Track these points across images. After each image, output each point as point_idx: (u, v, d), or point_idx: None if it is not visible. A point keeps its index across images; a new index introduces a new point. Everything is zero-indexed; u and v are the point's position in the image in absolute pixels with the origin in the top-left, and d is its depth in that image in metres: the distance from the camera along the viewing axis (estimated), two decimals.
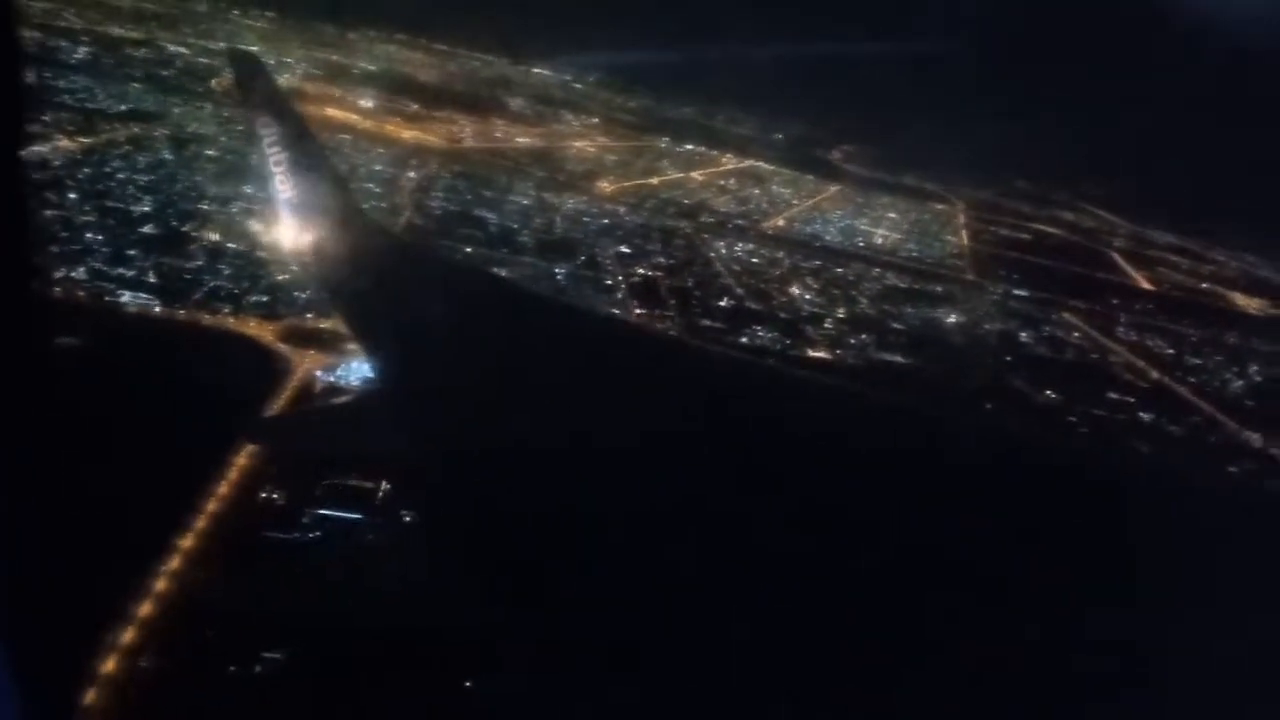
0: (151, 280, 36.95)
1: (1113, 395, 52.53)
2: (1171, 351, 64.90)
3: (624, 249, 60.26)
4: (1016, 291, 73.03)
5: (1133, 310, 74.69)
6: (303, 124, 14.54)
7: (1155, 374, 58.73)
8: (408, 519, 25.94)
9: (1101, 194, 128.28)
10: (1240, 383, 59.89)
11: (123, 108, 60.90)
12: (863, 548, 7.73)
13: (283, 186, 12.84)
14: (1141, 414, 50.50)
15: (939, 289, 68.53)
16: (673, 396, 9.97)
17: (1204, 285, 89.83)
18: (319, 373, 33.36)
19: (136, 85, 67.85)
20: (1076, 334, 65.10)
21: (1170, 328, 70.99)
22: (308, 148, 13.59)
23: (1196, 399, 54.99)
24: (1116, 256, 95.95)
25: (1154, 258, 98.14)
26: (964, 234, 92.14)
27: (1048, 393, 50.67)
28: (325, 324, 37.30)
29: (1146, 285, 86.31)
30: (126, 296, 35.29)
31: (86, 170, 46.82)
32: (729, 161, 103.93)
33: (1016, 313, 67.07)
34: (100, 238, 38.93)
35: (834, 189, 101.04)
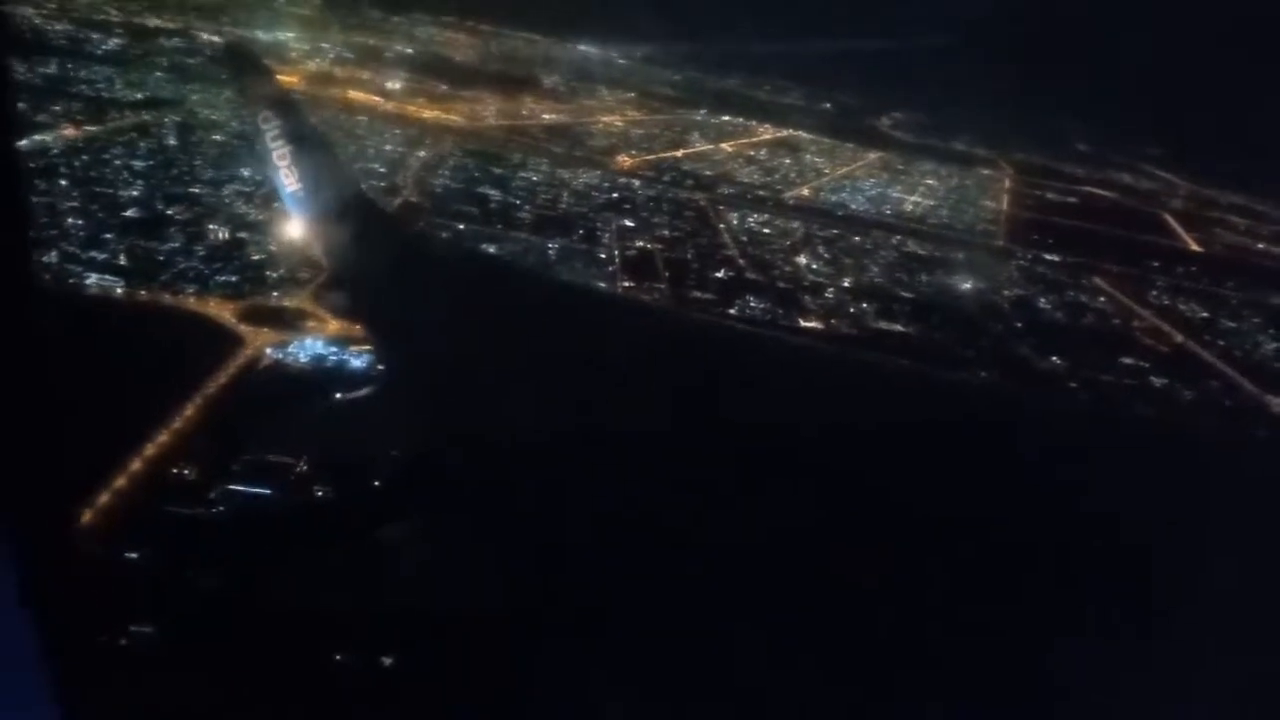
0: (121, 263, 37.83)
1: (1126, 360, 50.49)
2: (1206, 315, 62.12)
3: (628, 222, 59.83)
4: (1047, 256, 70.64)
5: (1173, 273, 71.55)
6: (304, 114, 14.63)
7: (1180, 338, 56.24)
8: (320, 494, 26.30)
9: (1168, 155, 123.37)
10: (1275, 345, 57.01)
11: (138, 96, 62.44)
12: (852, 516, 7.78)
13: (286, 178, 12.79)
14: (1154, 378, 48.42)
15: (961, 256, 66.51)
16: (671, 374, 9.90)
17: (1260, 246, 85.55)
18: (269, 350, 33.79)
19: (159, 74, 69.35)
20: (1102, 298, 62.73)
21: (1211, 290, 67.95)
22: (310, 138, 13.64)
23: (1220, 363, 52.54)
24: (1169, 218, 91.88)
25: (1211, 219, 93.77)
26: (1004, 199, 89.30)
27: (1053, 359, 48.92)
28: (289, 303, 37.92)
29: (1195, 247, 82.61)
30: (92, 279, 36.15)
31: (84, 157, 48.04)
32: (765, 132, 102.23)
33: (1040, 278, 64.91)
34: (80, 223, 39.98)
35: (873, 156, 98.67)
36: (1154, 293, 65.77)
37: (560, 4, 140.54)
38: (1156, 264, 73.54)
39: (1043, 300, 59.86)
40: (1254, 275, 73.18)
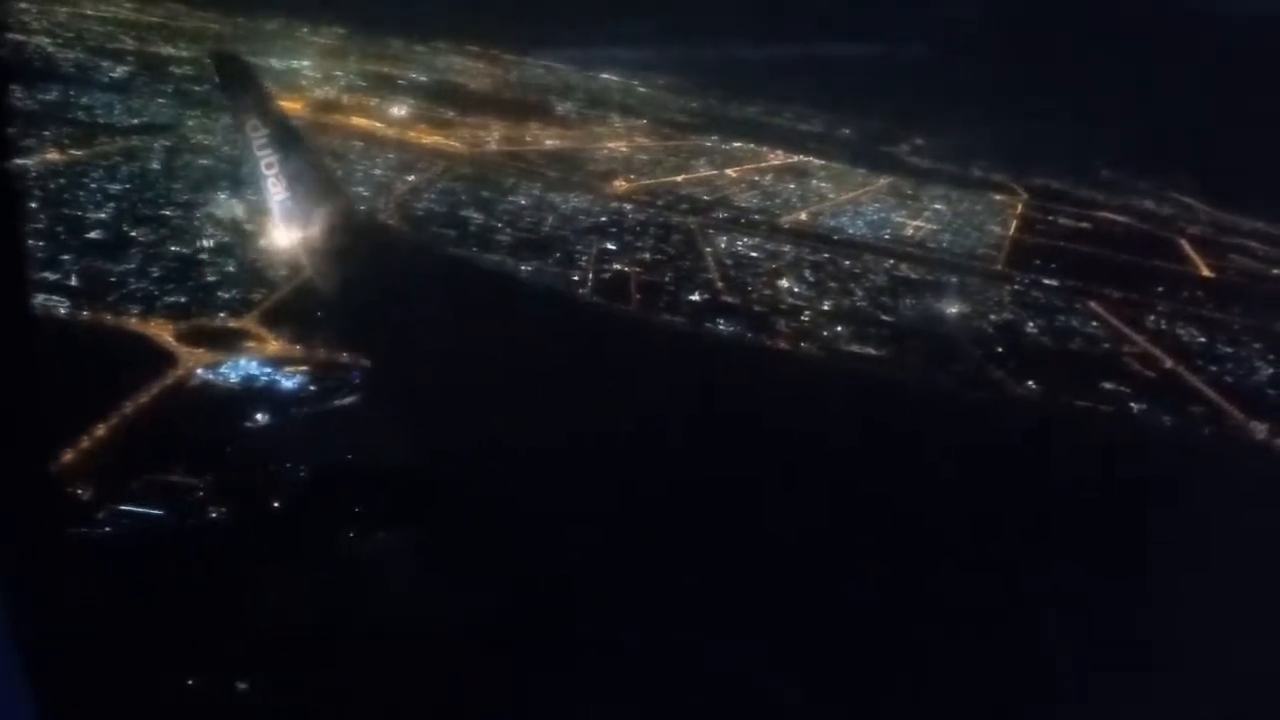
0: (71, 284, 38.27)
1: (1106, 385, 49.15)
2: (1203, 340, 60.44)
3: (609, 245, 59.74)
4: (1045, 281, 69.36)
5: (1176, 298, 69.92)
6: (291, 123, 14.81)
7: (1170, 364, 54.74)
8: (214, 516, 26.29)
9: (1194, 181, 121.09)
10: (1271, 372, 55.29)
11: (134, 121, 63.88)
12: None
13: (274, 187, 12.88)
14: (1133, 404, 47.10)
15: (953, 280, 65.47)
16: (666, 383, 9.90)
17: (1275, 272, 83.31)
18: (200, 370, 33.94)
19: (161, 100, 70.97)
20: (1094, 324, 61.30)
21: (1214, 316, 66.22)
22: (298, 146, 13.80)
23: (1208, 389, 50.99)
24: (1184, 243, 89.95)
25: (1228, 244, 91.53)
26: (1012, 224, 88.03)
27: (1029, 383, 47.81)
28: (233, 324, 38.22)
29: (1206, 272, 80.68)
30: (37, 299, 36.60)
31: (60, 181, 49.02)
32: (775, 157, 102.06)
33: (1033, 303, 63.67)
34: (39, 244, 40.60)
35: (883, 181, 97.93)
36: (1152, 318, 64.27)
37: (584, 33, 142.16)
38: (1161, 289, 71.98)
39: (1030, 325, 58.64)
40: (1262, 301, 71.16)
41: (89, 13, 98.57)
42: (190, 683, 19.72)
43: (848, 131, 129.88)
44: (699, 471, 8.18)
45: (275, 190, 12.67)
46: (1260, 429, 45.92)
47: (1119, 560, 7.34)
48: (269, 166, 12.64)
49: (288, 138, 13.17)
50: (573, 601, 6.76)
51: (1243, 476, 9.23)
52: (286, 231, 12.93)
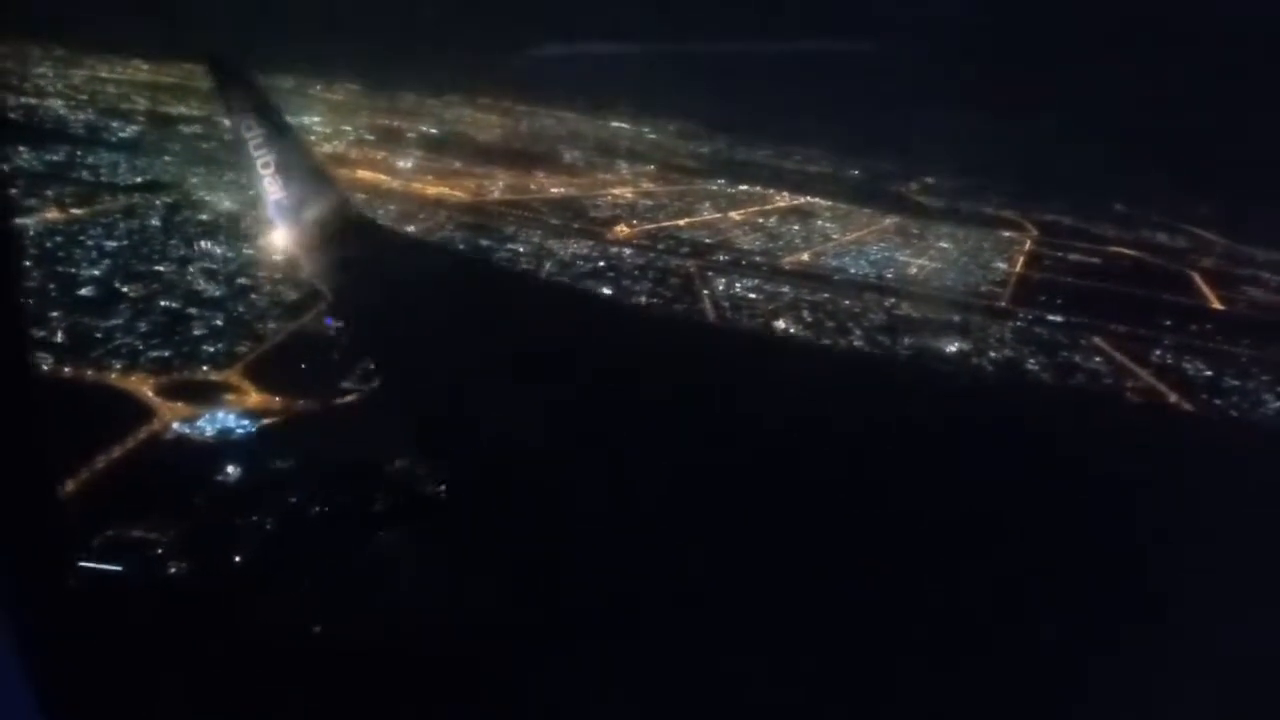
0: (57, 340, 38.59)
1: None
2: (1209, 374, 59.45)
3: (605, 289, 59.74)
4: (1050, 318, 68.67)
5: (1185, 332, 68.99)
6: (286, 122, 15.03)
7: (1174, 398, 53.82)
8: (172, 571, 26.21)
9: (1208, 214, 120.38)
10: (1277, 404, 54.26)
11: (138, 180, 64.88)
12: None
13: (270, 187, 13.04)
14: None
15: (954, 318, 65.00)
16: (669, 377, 9.96)
17: None
18: (175, 424, 34.03)
19: (167, 159, 72.10)
20: (1098, 358, 60.51)
21: (1222, 349, 65.19)
22: (292, 146, 14.02)
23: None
24: (1196, 276, 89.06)
25: (1241, 277, 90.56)
26: (1019, 261, 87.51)
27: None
28: (215, 377, 38.41)
29: (1217, 305, 79.68)
30: None
31: (57, 239, 49.72)
32: (780, 200, 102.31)
33: (1035, 339, 62.93)
34: (29, 302, 41.13)
35: (889, 221, 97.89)
36: (1158, 352, 63.36)
37: (594, 83, 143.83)
38: (1169, 323, 71.03)
39: (1031, 361, 57.92)
40: (1273, 333, 70.09)
41: (104, 75, 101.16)
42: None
43: (856, 172, 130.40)
44: (699, 471, 8.12)
45: (271, 189, 12.76)
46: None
47: (1119, 560, 7.24)
48: (265, 166, 12.74)
49: (283, 137, 13.31)
50: (573, 601, 6.74)
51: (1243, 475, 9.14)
52: (283, 229, 13.05)
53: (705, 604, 6.66)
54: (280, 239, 13.32)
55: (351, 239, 13.24)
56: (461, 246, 64.69)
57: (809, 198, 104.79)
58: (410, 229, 66.84)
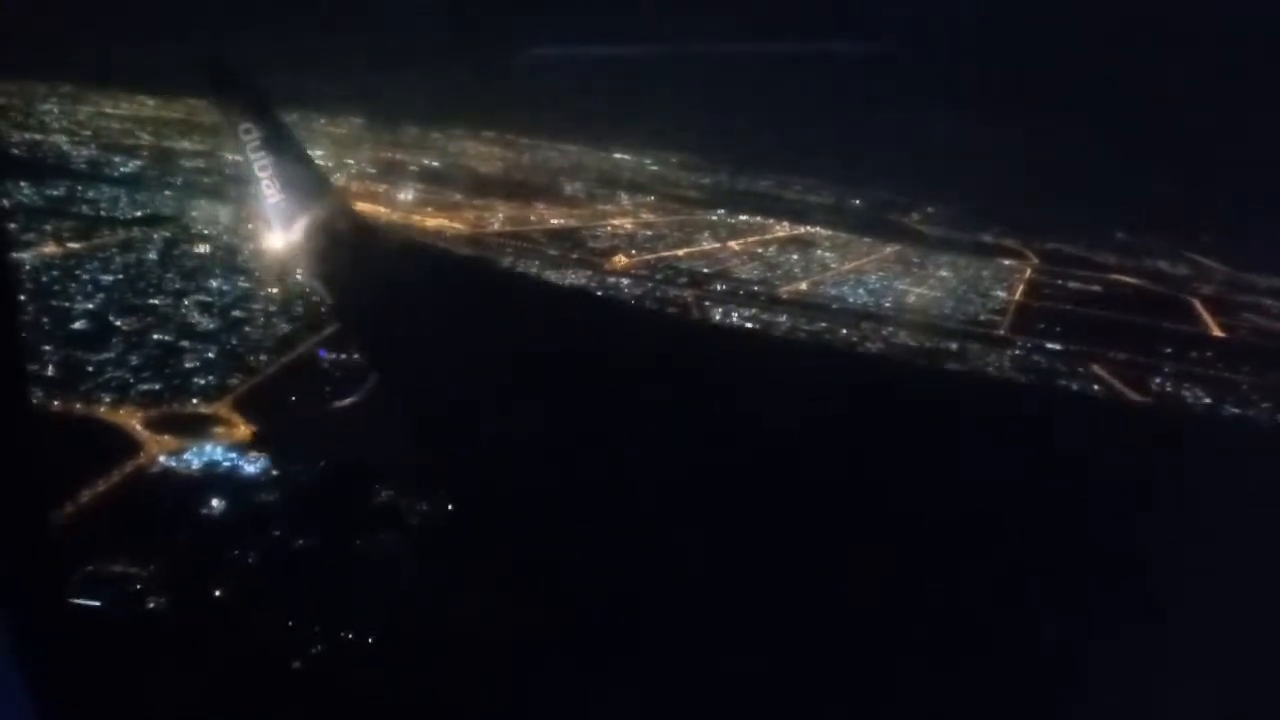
0: (48, 374, 38.61)
1: None
2: (1208, 401, 59.17)
3: None
4: (1048, 345, 68.53)
5: (1185, 359, 68.73)
6: (284, 125, 15.15)
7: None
8: (151, 606, 26.14)
9: (1211, 242, 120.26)
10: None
11: (137, 214, 65.28)
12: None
13: (267, 190, 13.29)
14: None
15: (951, 346, 64.91)
16: (670, 377, 9.98)
17: None
18: (162, 457, 34.03)
19: (168, 193, 72.61)
20: (1096, 386, 60.23)
21: (1222, 376, 64.94)
22: (290, 149, 14.13)
23: None
24: (1197, 303, 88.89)
25: (1243, 304, 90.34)
26: (1018, 289, 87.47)
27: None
28: (205, 410, 38.47)
29: (1217, 333, 79.44)
30: None
31: (53, 273, 49.99)
32: (779, 230, 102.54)
33: (1033, 367, 62.81)
34: (21, 335, 41.28)
35: (889, 250, 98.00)
36: (1157, 379, 63.12)
37: (597, 114, 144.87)
38: (1169, 350, 70.79)
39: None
40: (1274, 359, 69.80)
41: (109, 110, 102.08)
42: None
43: (857, 202, 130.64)
44: (699, 471, 8.10)
45: (269, 192, 12.52)
46: None
47: (1119, 560, 7.23)
48: (262, 169, 12.46)
49: (280, 140, 13.04)
50: (573, 601, 6.72)
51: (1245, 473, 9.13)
52: (281, 233, 12.82)
53: (705, 604, 6.67)
54: (279, 241, 13.03)
55: (350, 240, 13.12)
56: None
57: (808, 227, 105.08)
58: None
